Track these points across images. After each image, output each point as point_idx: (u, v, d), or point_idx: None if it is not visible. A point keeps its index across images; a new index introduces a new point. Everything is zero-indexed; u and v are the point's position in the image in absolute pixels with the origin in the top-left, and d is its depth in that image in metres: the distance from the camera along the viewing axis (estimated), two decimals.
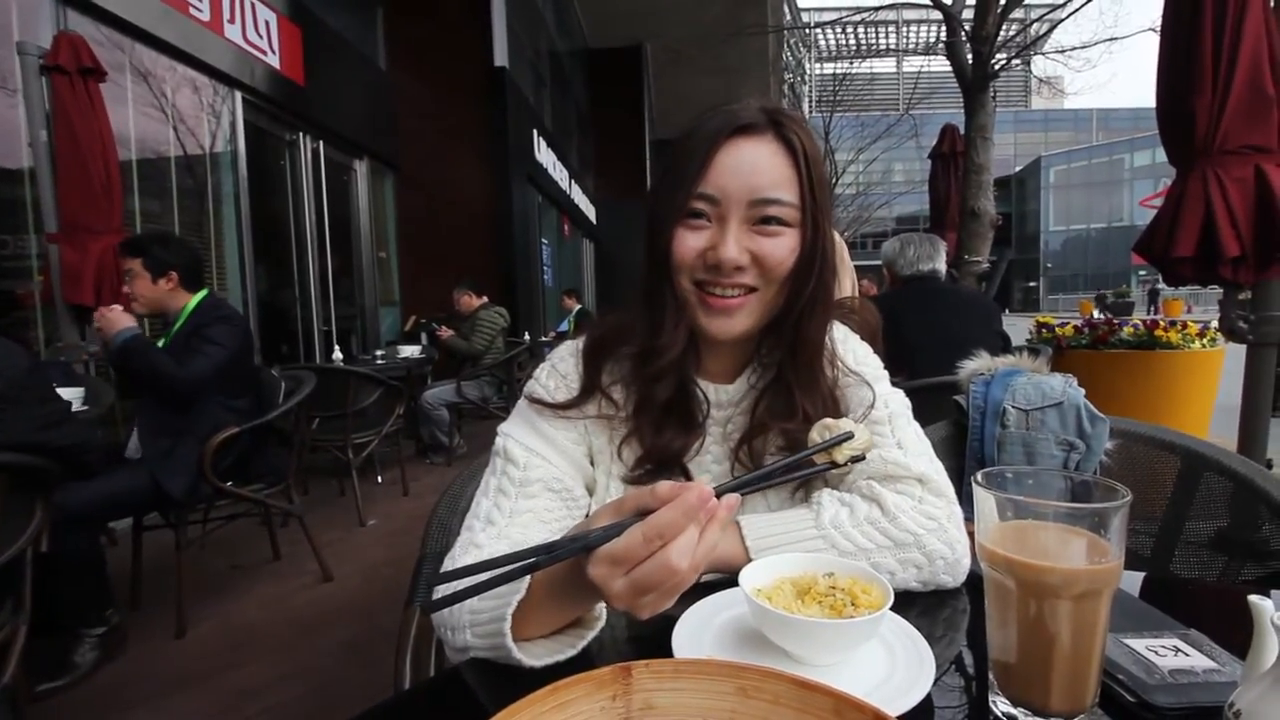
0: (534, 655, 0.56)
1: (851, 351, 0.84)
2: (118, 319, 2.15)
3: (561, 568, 0.52)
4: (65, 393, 2.23)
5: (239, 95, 4.63)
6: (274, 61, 4.88)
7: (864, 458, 0.63)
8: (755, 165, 0.71)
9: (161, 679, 2.03)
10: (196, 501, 2.31)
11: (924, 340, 2.28)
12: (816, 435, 0.64)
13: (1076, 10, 6.48)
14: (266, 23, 4.79)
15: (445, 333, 5.09)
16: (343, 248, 6.40)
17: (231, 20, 4.41)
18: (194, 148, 4.38)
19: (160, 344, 2.35)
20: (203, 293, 2.40)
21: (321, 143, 5.78)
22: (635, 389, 0.79)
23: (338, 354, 4.85)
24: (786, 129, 0.72)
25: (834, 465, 0.62)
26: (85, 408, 2.38)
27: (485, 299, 5.25)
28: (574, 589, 0.53)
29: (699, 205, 0.71)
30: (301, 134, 5.53)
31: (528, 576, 0.53)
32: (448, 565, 0.70)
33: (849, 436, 0.61)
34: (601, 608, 0.60)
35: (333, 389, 3.44)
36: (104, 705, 1.92)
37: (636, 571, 0.47)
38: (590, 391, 0.78)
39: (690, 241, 0.72)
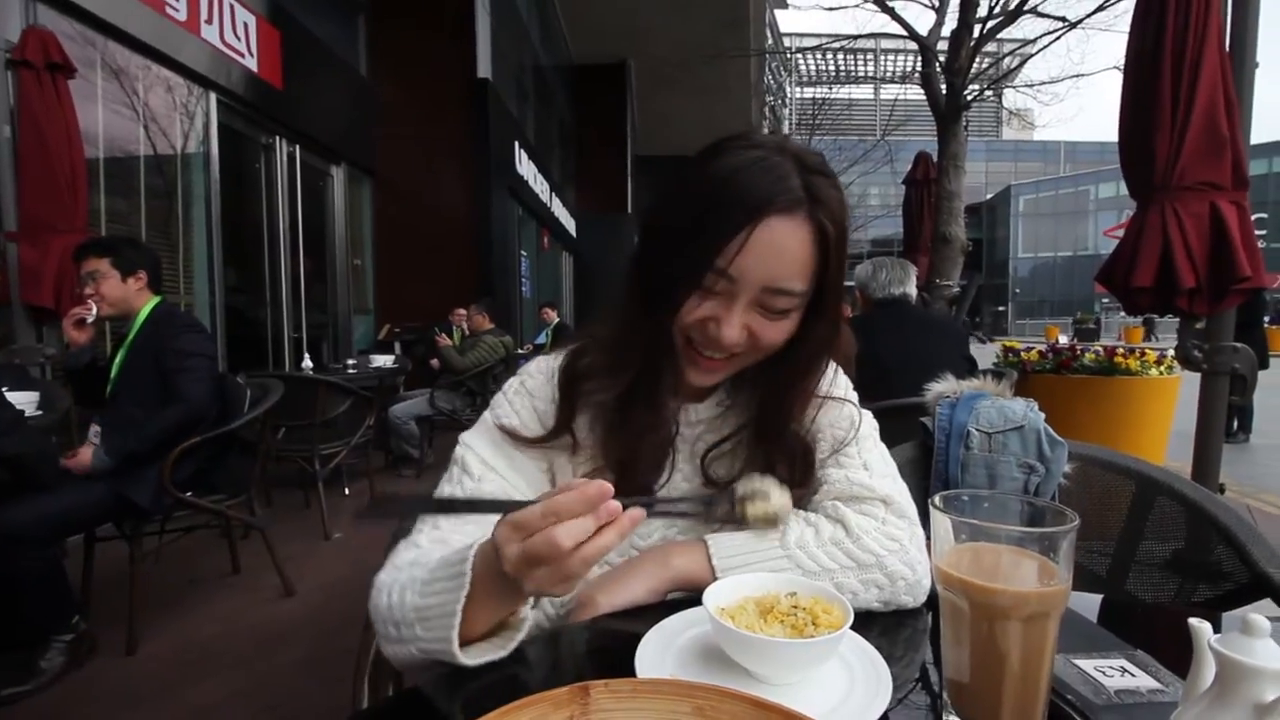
0: (470, 655, 0.57)
1: (829, 380, 0.84)
2: (82, 461, 2.12)
3: (495, 562, 0.54)
4: (18, 397, 2.17)
5: (214, 96, 4.58)
6: (251, 64, 4.83)
7: (777, 522, 0.61)
8: (781, 253, 0.66)
9: (110, 697, 1.96)
10: (161, 511, 2.25)
11: (894, 362, 2.31)
12: (741, 488, 0.63)
13: (1046, 47, 6.73)
14: (245, 25, 4.74)
15: (444, 340, 5.07)
16: (317, 254, 6.32)
17: (209, 21, 4.37)
18: (165, 148, 4.30)
19: (119, 357, 2.29)
20: (156, 299, 2.35)
21: (298, 147, 5.72)
22: (605, 420, 0.77)
23: (308, 362, 4.77)
24: (822, 206, 0.67)
25: (743, 520, 0.62)
26: (40, 413, 2.31)
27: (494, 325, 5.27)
28: (503, 580, 0.55)
29: (715, 279, 0.67)
30: (278, 138, 5.47)
31: (469, 574, 0.56)
32: (391, 560, 0.70)
33: (765, 497, 0.60)
34: (526, 610, 0.61)
35: (301, 398, 3.38)
36: None
37: (529, 541, 0.50)
38: (563, 429, 0.77)
39: (695, 309, 0.69)
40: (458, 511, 0.52)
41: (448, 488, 0.76)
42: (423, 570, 0.63)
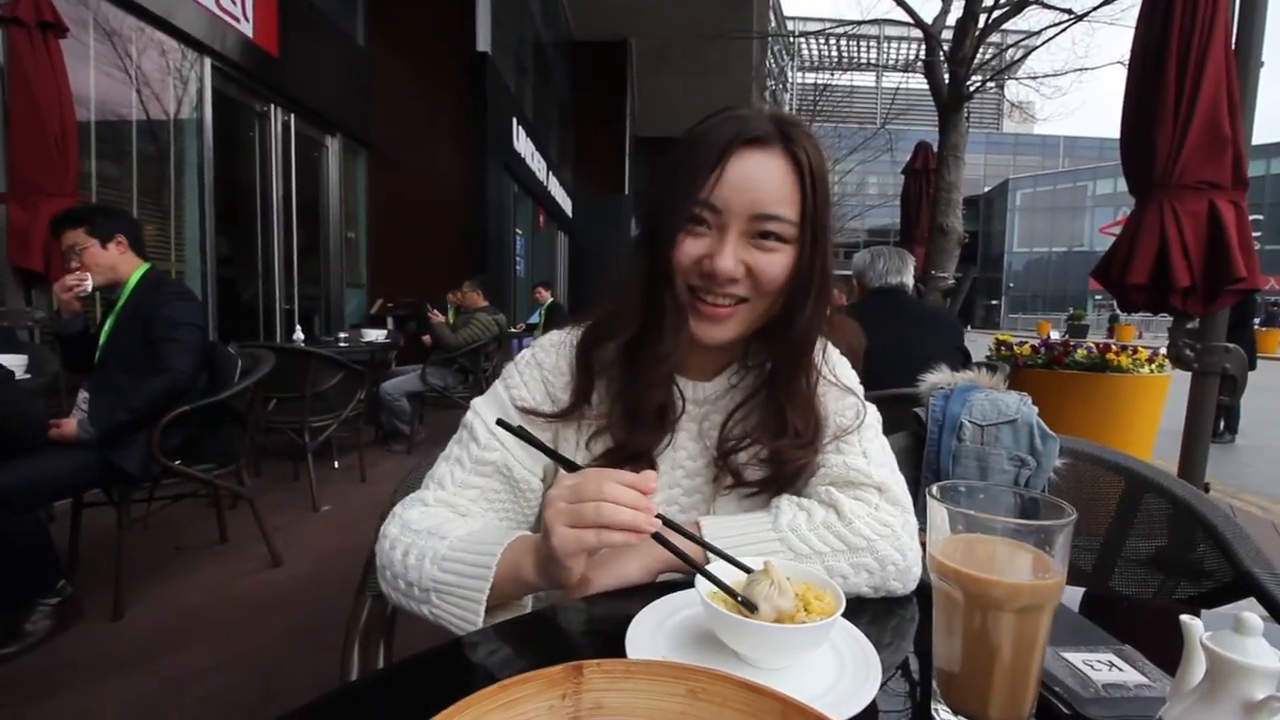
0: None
1: (831, 365, 0.85)
2: (66, 431, 2.09)
3: (517, 568, 0.66)
4: (6, 360, 2.15)
5: (208, 62, 4.48)
6: (247, 30, 4.73)
7: (755, 608, 0.55)
8: (760, 180, 0.71)
9: (95, 662, 1.96)
10: (150, 479, 2.24)
11: (886, 352, 2.31)
12: (758, 582, 0.57)
13: (1051, 39, 6.68)
14: None
15: (436, 316, 5.05)
16: (310, 225, 6.25)
17: None
18: (158, 113, 4.22)
19: (108, 324, 2.26)
20: (146, 266, 2.32)
21: (293, 116, 5.63)
22: (614, 387, 0.79)
23: (299, 334, 4.73)
24: (795, 143, 0.72)
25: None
26: (28, 376, 2.29)
27: (488, 303, 5.23)
28: (517, 582, 0.66)
29: (702, 213, 0.71)
30: (272, 106, 5.37)
31: (494, 566, 0.65)
32: (397, 511, 0.76)
33: (753, 608, 0.55)
34: (529, 600, 0.71)
35: (292, 370, 3.36)
36: (31, 689, 1.84)
37: (581, 479, 0.61)
38: (581, 401, 0.79)
39: (690, 248, 0.72)
40: (537, 447, 0.66)
41: (456, 449, 0.80)
42: (440, 544, 0.69)
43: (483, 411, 0.80)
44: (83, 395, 2.23)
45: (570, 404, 0.79)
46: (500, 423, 0.69)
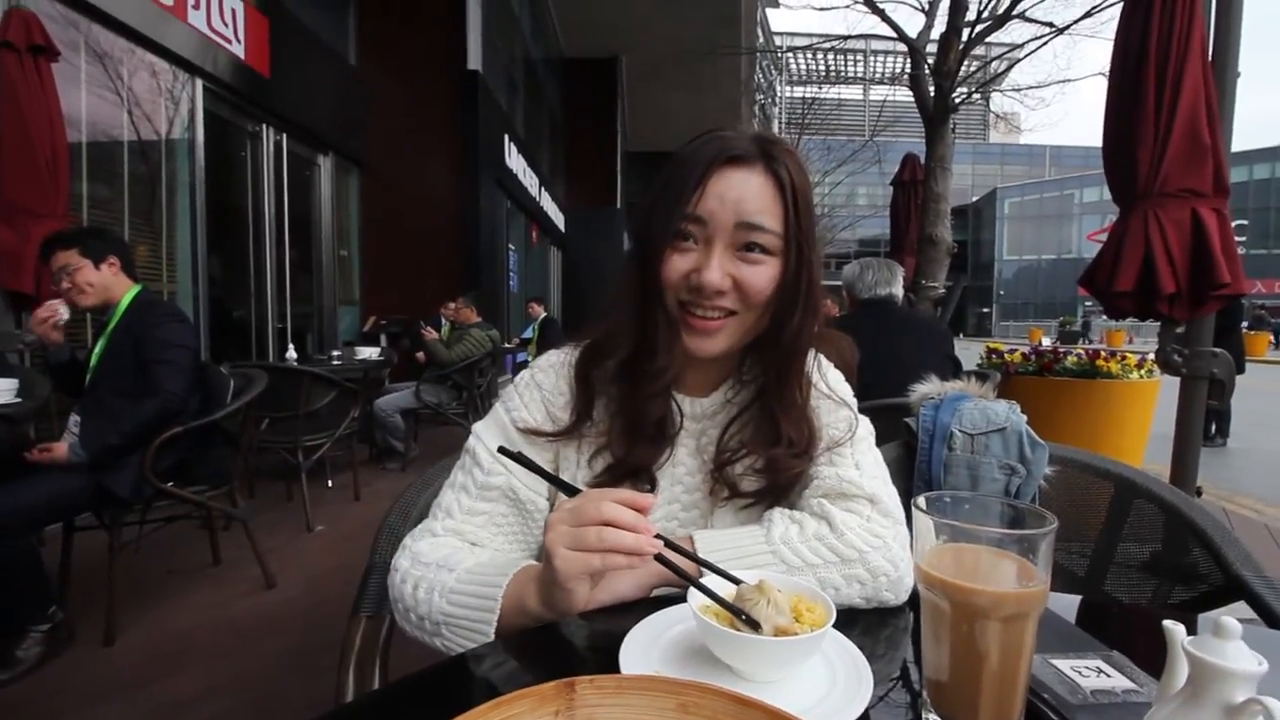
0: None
1: (824, 378, 0.86)
2: (57, 455, 2.06)
3: (522, 599, 0.66)
4: None
5: (200, 83, 4.51)
6: (239, 51, 4.77)
7: (759, 627, 0.55)
8: (742, 193, 0.72)
9: (87, 688, 1.93)
10: (141, 500, 2.22)
11: (878, 363, 2.33)
12: (756, 601, 0.57)
13: (1033, 52, 6.79)
14: (233, 10, 4.68)
15: (430, 333, 5.05)
16: (303, 244, 6.26)
17: (196, 6, 4.30)
18: (149, 134, 4.23)
19: (99, 346, 2.26)
20: (137, 288, 2.32)
21: (285, 136, 5.65)
22: (613, 405, 0.79)
23: (292, 353, 4.72)
24: (776, 160, 0.74)
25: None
26: (18, 400, 2.28)
27: (482, 319, 5.27)
28: (523, 613, 0.66)
29: (687, 228, 0.73)
30: (264, 126, 5.40)
31: (500, 599, 0.66)
32: (407, 543, 0.76)
33: (755, 627, 0.55)
34: None
35: (285, 389, 3.34)
36: (23, 717, 1.82)
37: (578, 504, 0.62)
38: (584, 418, 0.79)
39: (677, 263, 0.73)
40: (537, 472, 0.67)
41: (461, 475, 0.80)
42: (448, 576, 0.69)
43: (484, 436, 0.81)
44: (74, 418, 2.22)
45: (571, 423, 0.79)
46: (502, 450, 0.69)
